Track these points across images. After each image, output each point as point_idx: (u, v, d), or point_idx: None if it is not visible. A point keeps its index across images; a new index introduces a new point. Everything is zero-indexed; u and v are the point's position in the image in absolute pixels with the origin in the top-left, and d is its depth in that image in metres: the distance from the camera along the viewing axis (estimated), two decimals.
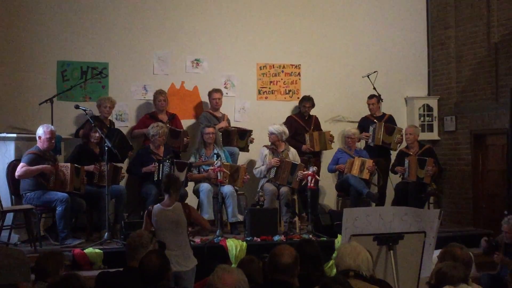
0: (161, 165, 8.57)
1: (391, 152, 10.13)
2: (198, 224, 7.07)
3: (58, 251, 5.81)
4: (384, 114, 10.27)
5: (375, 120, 10.08)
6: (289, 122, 10.02)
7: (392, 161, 10.04)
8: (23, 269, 5.01)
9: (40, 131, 7.90)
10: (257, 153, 9.54)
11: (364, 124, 10.17)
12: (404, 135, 9.96)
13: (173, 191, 6.51)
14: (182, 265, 6.39)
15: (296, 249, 4.57)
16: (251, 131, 9.71)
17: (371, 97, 10.21)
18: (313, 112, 10.18)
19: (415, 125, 10.44)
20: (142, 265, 4.63)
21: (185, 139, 9.27)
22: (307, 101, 10.07)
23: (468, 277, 4.53)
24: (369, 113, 10.27)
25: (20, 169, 7.70)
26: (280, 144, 9.30)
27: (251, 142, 9.70)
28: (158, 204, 6.65)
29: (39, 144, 7.89)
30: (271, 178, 9.10)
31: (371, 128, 9.96)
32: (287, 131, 9.38)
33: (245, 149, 9.67)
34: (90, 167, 8.31)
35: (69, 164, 8.00)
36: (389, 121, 10.18)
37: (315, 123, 10.15)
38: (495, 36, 9.94)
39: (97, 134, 8.41)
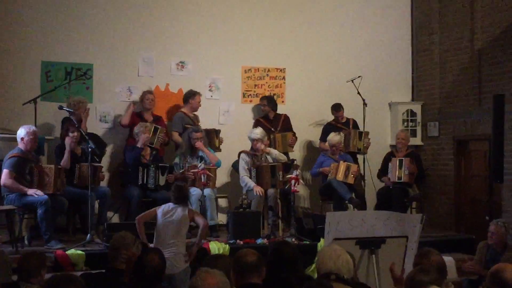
0: (145, 169, 8.62)
1: (358, 156, 10.13)
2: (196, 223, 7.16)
3: (40, 252, 5.78)
4: (348, 119, 10.27)
5: (342, 127, 10.08)
6: (256, 124, 9.90)
7: (360, 165, 9.98)
8: (4, 270, 4.98)
9: (22, 133, 7.76)
10: (228, 153, 9.57)
11: (328, 131, 9.99)
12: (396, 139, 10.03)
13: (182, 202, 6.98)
14: (174, 266, 6.45)
15: (273, 251, 4.58)
16: (219, 130, 9.65)
17: (338, 109, 10.17)
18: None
19: (403, 129, 10.50)
20: (141, 264, 4.52)
21: (160, 135, 9.06)
22: (262, 100, 10.10)
23: (443, 281, 4.49)
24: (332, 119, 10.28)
25: (8, 178, 7.57)
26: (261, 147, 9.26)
27: (221, 142, 9.61)
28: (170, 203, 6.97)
29: (21, 145, 7.77)
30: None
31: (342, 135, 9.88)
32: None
33: (218, 148, 9.57)
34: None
35: (53, 165, 7.95)
36: (355, 125, 10.22)
37: (284, 123, 10.02)
38: (478, 43, 10.01)
39: (75, 134, 8.34)
